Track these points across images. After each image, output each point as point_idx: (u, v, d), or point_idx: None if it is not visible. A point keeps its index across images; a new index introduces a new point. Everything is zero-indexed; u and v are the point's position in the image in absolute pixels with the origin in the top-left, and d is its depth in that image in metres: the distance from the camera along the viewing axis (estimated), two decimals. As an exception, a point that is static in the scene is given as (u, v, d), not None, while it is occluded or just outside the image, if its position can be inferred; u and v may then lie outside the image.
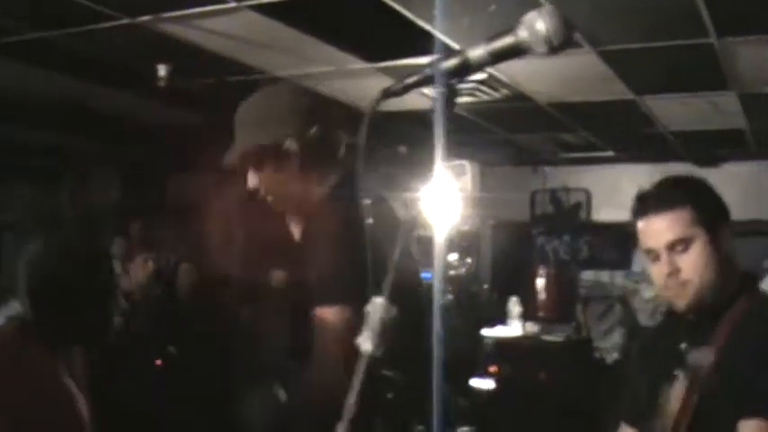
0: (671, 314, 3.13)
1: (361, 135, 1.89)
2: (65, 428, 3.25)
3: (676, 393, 2.79)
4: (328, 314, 2.93)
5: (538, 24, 1.68)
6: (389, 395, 2.87)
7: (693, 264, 2.85)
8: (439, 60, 1.75)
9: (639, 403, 3.10)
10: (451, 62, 1.75)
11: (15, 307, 4.00)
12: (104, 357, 4.32)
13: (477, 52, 1.74)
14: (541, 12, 1.69)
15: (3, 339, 3.30)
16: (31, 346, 3.21)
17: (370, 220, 2.61)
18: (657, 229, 2.91)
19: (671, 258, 2.87)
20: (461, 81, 1.80)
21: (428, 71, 1.78)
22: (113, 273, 3.58)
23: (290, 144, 3.16)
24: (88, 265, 3.43)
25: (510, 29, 1.72)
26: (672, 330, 3.06)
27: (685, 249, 2.86)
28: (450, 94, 1.78)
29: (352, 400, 1.59)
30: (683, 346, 2.90)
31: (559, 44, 1.70)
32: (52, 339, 3.26)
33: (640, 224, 2.98)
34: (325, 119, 3.31)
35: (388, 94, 1.87)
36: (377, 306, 1.63)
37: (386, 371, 2.48)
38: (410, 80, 1.82)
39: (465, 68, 1.75)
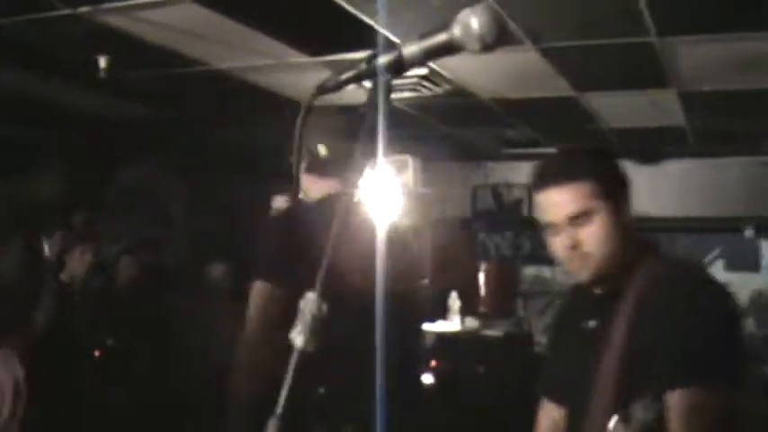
0: (578, 289, 3.13)
1: (296, 129, 1.90)
2: None
3: (598, 371, 2.78)
4: None
5: (471, 22, 1.68)
6: (321, 390, 2.90)
7: (595, 236, 2.83)
8: (373, 56, 1.76)
9: (559, 379, 3.13)
10: (386, 58, 1.76)
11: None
12: (41, 349, 4.32)
13: (410, 49, 1.75)
14: (475, 9, 1.69)
15: None
16: None
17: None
18: (558, 202, 2.86)
19: (572, 232, 2.84)
20: (397, 77, 1.80)
21: (362, 67, 1.78)
22: (40, 267, 3.59)
23: None
24: (13, 262, 3.47)
25: (444, 25, 1.72)
26: (580, 307, 3.07)
27: (586, 222, 2.83)
28: (386, 90, 1.78)
29: (283, 395, 1.60)
30: (591, 324, 2.93)
31: (492, 42, 1.71)
32: None
33: (540, 197, 2.93)
34: None
35: (322, 89, 1.88)
36: (309, 301, 1.63)
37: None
38: (345, 76, 1.83)
39: (399, 65, 1.75)
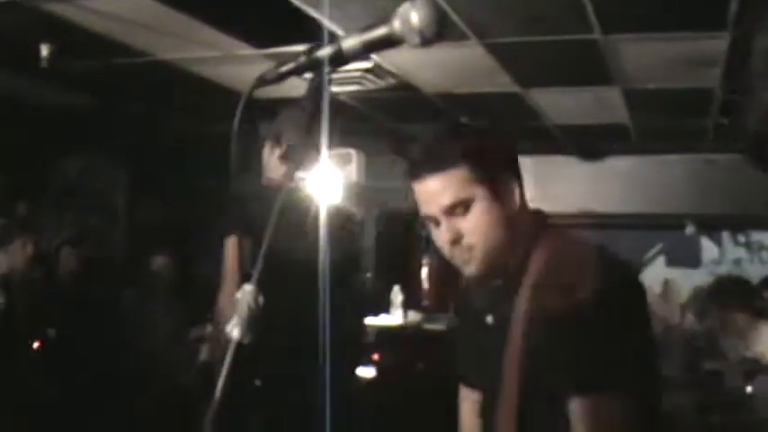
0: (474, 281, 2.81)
1: (235, 121, 1.88)
2: None
3: (502, 366, 2.64)
4: None
5: (411, 16, 1.68)
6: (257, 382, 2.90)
7: (476, 227, 2.55)
8: (313, 49, 1.75)
9: (470, 367, 2.93)
10: (325, 51, 1.75)
11: None
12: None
13: (350, 42, 1.74)
14: (415, 3, 1.69)
15: None
16: None
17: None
18: (432, 193, 2.56)
19: (451, 224, 2.55)
20: (337, 70, 1.79)
21: (302, 59, 1.77)
22: None
23: None
24: None
25: (385, 19, 1.72)
26: (478, 299, 2.80)
27: (465, 212, 2.54)
28: (325, 82, 1.78)
29: (219, 387, 1.59)
30: (489, 319, 2.70)
31: (432, 37, 1.70)
32: None
33: (415, 187, 2.62)
34: None
35: (262, 81, 1.87)
36: (246, 293, 1.63)
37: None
38: (285, 68, 1.82)
39: (339, 58, 1.75)
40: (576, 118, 9.26)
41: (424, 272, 11.63)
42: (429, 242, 12.60)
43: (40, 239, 7.85)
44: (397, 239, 12.29)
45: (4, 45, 7.07)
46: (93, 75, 7.87)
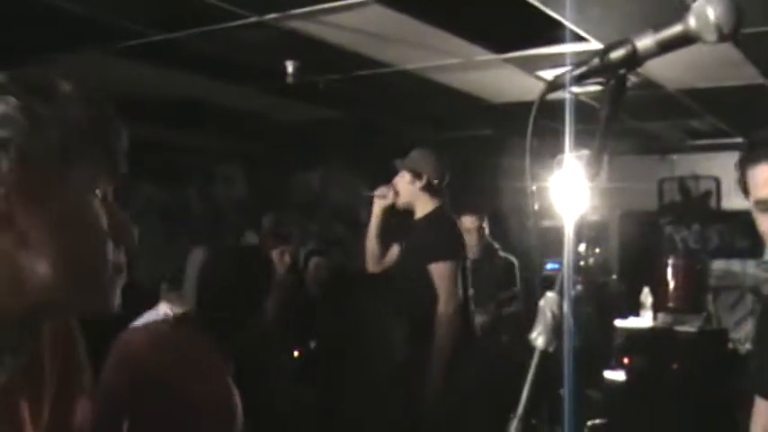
0: None
1: (529, 127, 1.87)
2: (224, 415, 3.42)
3: None
4: None
5: (708, 11, 1.63)
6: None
7: None
8: (605, 51, 1.72)
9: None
10: (619, 53, 1.71)
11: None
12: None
13: (644, 42, 1.70)
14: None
15: (178, 330, 3.52)
16: (198, 337, 3.43)
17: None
18: None
19: None
20: (632, 72, 1.76)
21: (596, 61, 1.74)
22: (273, 273, 3.81)
23: None
24: (254, 267, 3.71)
25: (678, 17, 1.68)
26: None
27: None
28: (620, 85, 1.75)
29: (524, 396, 1.58)
30: None
31: (730, 32, 1.66)
32: (215, 332, 3.49)
33: (754, 171, 2.57)
34: None
35: (554, 85, 1.84)
36: (549, 300, 1.61)
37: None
38: (578, 71, 1.79)
39: (634, 59, 1.71)
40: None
41: (670, 272, 11.40)
42: (673, 241, 12.43)
43: (295, 250, 8.03)
44: (640, 240, 12.12)
45: (251, 64, 7.29)
46: (337, 88, 8.02)
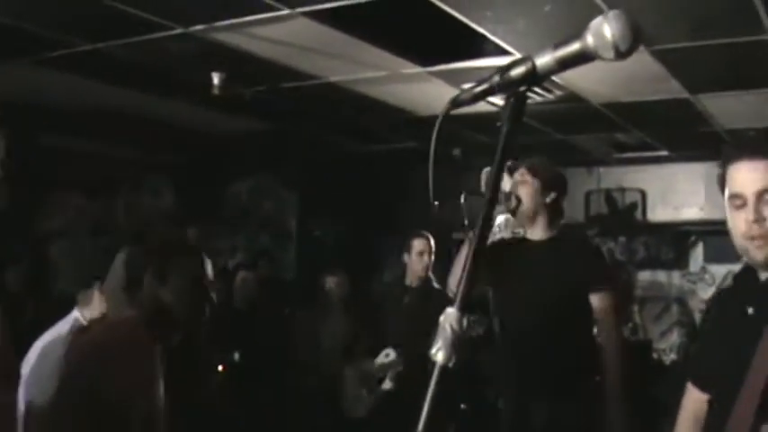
0: (740, 277, 3.00)
1: (432, 142, 1.88)
2: (150, 408, 3.41)
3: (750, 364, 2.65)
4: None
5: (605, 30, 1.65)
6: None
7: None
8: (506, 68, 1.73)
9: (708, 366, 3.00)
10: (519, 70, 1.72)
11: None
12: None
13: (544, 59, 1.71)
14: (608, 17, 1.66)
15: (118, 329, 3.51)
16: (141, 335, 3.43)
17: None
18: (750, 176, 2.75)
19: (758, 206, 2.71)
20: (532, 89, 1.77)
21: (496, 79, 1.75)
22: (205, 273, 3.76)
23: None
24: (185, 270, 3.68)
25: (575, 35, 1.69)
26: (741, 293, 2.94)
27: None
28: (521, 102, 1.76)
29: (425, 411, 1.58)
30: (749, 310, 2.79)
31: (627, 50, 1.68)
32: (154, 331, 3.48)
33: (731, 168, 2.81)
34: None
35: (456, 103, 1.85)
36: (449, 316, 1.61)
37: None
38: (479, 89, 1.79)
39: (533, 76, 1.72)
40: (748, 121, 9.02)
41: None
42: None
43: (218, 263, 7.99)
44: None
45: (177, 75, 7.26)
46: (264, 100, 8.01)
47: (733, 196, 2.77)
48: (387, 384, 7.21)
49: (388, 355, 7.17)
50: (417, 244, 7.34)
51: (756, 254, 2.74)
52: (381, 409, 7.21)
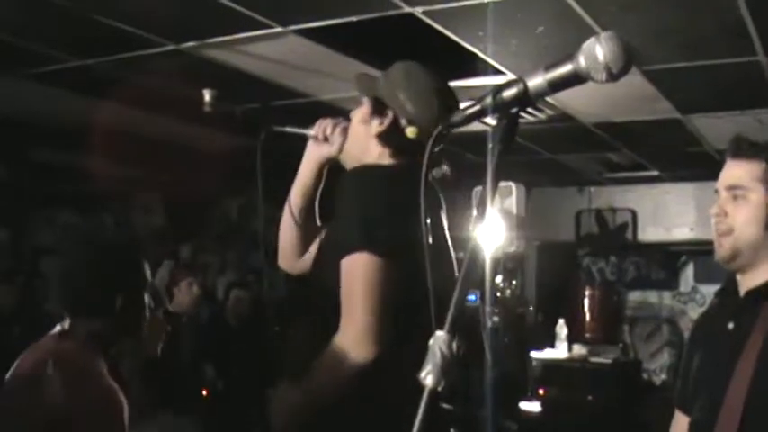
0: (722, 292, 3.06)
1: (424, 161, 1.88)
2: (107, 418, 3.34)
3: (729, 385, 2.69)
4: None
5: (597, 51, 1.65)
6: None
7: (740, 213, 2.85)
8: (498, 90, 1.72)
9: (690, 389, 3.02)
10: (511, 92, 1.72)
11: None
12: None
13: (536, 81, 1.71)
14: (600, 38, 1.66)
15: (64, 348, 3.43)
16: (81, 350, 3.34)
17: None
18: (726, 173, 2.93)
19: (724, 201, 2.89)
20: (524, 110, 1.77)
21: (488, 101, 1.74)
22: (144, 276, 3.63)
23: None
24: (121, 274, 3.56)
25: (568, 56, 1.69)
26: (720, 311, 3.01)
27: (740, 198, 2.86)
28: (512, 124, 1.75)
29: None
30: (730, 326, 2.84)
31: (619, 72, 1.68)
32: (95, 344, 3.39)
33: (727, 163, 2.99)
34: None
35: (449, 124, 1.85)
36: (438, 339, 1.60)
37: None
38: (471, 110, 1.79)
39: (525, 98, 1.72)
40: (739, 142, 9.04)
41: (587, 304, 11.50)
42: (590, 272, 12.53)
43: (205, 280, 7.96)
44: (558, 271, 12.18)
45: (168, 92, 7.24)
46: (255, 117, 7.99)
47: (719, 188, 2.93)
48: None
49: None
50: None
51: (718, 251, 2.87)
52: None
